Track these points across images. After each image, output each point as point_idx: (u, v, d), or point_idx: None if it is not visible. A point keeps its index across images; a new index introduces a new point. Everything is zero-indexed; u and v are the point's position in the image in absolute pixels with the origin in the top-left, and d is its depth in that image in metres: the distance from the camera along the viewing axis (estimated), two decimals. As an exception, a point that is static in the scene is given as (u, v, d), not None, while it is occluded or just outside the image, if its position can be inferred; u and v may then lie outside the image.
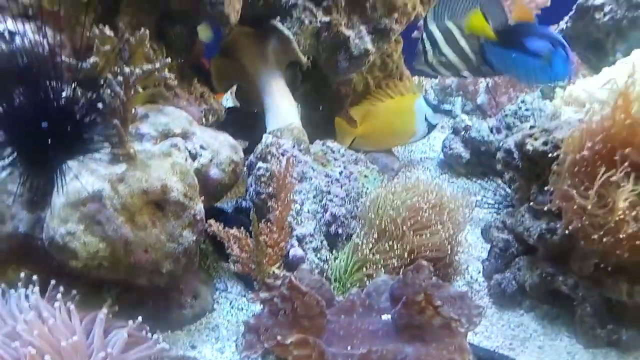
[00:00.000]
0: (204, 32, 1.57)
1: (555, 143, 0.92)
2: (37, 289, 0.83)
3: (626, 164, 0.78)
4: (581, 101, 1.10)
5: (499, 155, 1.07)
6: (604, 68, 1.22)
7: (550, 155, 0.92)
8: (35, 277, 0.87)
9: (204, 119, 1.31)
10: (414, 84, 1.73)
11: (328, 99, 1.67)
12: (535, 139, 0.95)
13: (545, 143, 0.94)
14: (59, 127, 0.98)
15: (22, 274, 0.89)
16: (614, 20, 1.56)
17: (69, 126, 0.99)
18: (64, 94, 1.01)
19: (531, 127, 1.00)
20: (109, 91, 0.96)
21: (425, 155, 1.83)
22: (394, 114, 1.63)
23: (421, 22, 1.61)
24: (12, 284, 0.89)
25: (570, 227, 0.86)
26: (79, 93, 1.04)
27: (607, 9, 1.56)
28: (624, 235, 0.78)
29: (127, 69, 1.03)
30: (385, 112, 1.62)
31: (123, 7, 1.23)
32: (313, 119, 1.70)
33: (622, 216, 0.77)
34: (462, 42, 1.46)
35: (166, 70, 1.17)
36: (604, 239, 0.80)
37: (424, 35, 1.40)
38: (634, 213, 0.77)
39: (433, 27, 1.39)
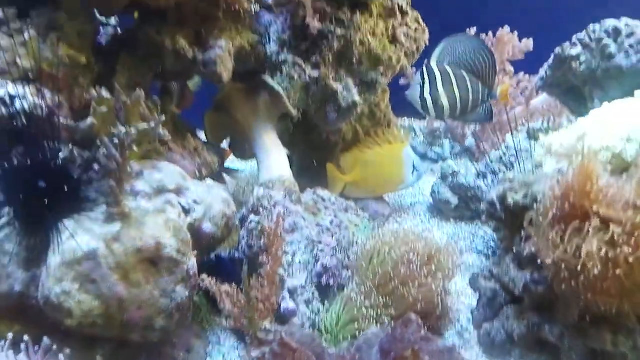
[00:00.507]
0: (193, 83, 1.63)
1: (535, 196, 0.96)
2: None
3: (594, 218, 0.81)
4: (559, 153, 1.14)
5: (483, 206, 1.11)
6: (579, 119, 1.27)
7: (529, 209, 0.96)
8: (26, 337, 0.88)
9: (197, 173, 1.35)
10: (401, 132, 1.78)
11: (318, 148, 1.72)
12: (516, 192, 0.99)
13: (525, 196, 0.98)
14: (56, 187, 1.01)
15: (10, 335, 0.90)
16: (589, 69, 1.62)
17: (65, 186, 1.02)
18: (61, 155, 1.05)
19: (511, 181, 1.04)
20: (104, 152, 1.00)
21: (416, 200, 1.86)
22: (382, 162, 1.67)
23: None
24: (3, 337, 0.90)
25: (550, 277, 0.88)
26: (76, 153, 1.08)
27: (582, 58, 1.63)
28: (593, 279, 0.81)
29: (122, 131, 1.07)
30: (374, 161, 1.67)
31: (120, 67, 1.28)
32: (304, 166, 1.75)
33: (589, 260, 0.80)
34: (456, 90, 1.50)
35: (161, 127, 1.22)
36: (579, 285, 0.83)
37: (425, 70, 1.44)
38: (601, 254, 0.80)
39: (434, 65, 1.43)
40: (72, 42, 1.18)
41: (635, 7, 1.73)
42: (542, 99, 2.29)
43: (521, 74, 2.24)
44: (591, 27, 1.63)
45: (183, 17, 1.32)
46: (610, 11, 1.72)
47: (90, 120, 1.09)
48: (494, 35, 2.24)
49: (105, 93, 1.13)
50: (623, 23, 1.56)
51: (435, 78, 1.48)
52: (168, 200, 1.09)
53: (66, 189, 1.01)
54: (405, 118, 3.09)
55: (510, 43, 2.25)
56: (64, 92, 1.16)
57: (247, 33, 1.46)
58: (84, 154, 1.08)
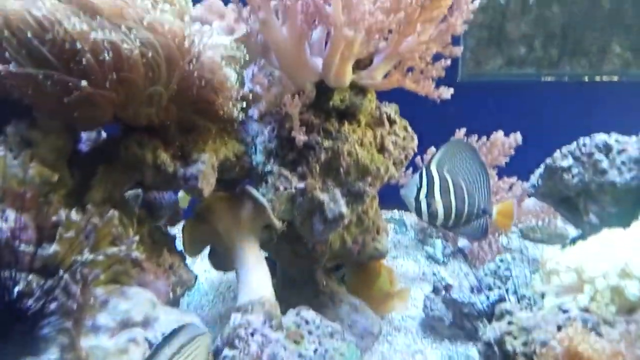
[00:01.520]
0: (183, 200, 1.58)
1: (534, 345, 0.87)
2: None
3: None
4: (559, 286, 1.07)
5: (479, 347, 1.01)
6: (579, 243, 1.21)
7: (529, 357, 0.87)
8: None
9: (171, 293, 1.26)
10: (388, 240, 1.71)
11: (304, 257, 1.63)
12: (515, 338, 0.91)
13: (524, 344, 0.89)
14: (7, 324, 0.91)
15: None
16: (582, 182, 1.60)
17: (17, 322, 0.92)
18: (17, 288, 0.96)
19: (509, 322, 0.95)
20: (65, 287, 0.91)
21: (408, 313, 1.76)
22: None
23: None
24: None
25: None
26: (34, 284, 0.99)
27: (574, 171, 1.61)
28: None
29: (89, 258, 0.99)
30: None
31: (96, 182, 1.22)
32: (289, 277, 1.66)
33: None
34: (453, 199, 1.45)
35: (135, 246, 1.14)
36: None
37: (424, 172, 1.38)
38: None
39: (434, 169, 1.39)
40: (45, 159, 1.13)
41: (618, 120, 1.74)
42: (534, 201, 2.26)
43: (513, 178, 2.21)
44: (581, 140, 1.63)
45: (167, 131, 1.29)
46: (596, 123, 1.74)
47: (53, 247, 1.01)
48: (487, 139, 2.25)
49: (74, 215, 1.06)
50: (613, 139, 1.55)
51: (434, 183, 1.43)
52: (132, 338, 0.99)
53: (18, 327, 0.92)
54: (396, 210, 3.05)
55: (503, 145, 2.25)
56: (31, 212, 1.09)
57: (232, 143, 1.42)
58: (43, 284, 1.00)
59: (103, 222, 1.08)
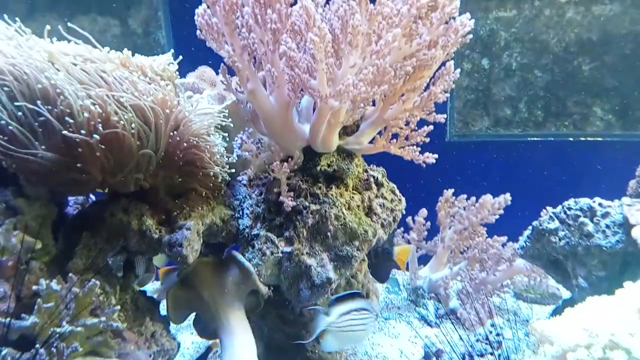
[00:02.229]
0: (159, 259, 1.56)
1: None
2: None
3: None
4: (548, 356, 1.05)
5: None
6: (566, 309, 1.20)
7: None
8: None
9: (152, 364, 1.22)
10: (378, 303, 1.69)
11: (291, 323, 1.60)
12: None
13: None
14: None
15: None
16: (569, 245, 1.60)
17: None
18: (-9, 362, 0.94)
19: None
20: (39, 364, 0.89)
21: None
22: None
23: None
24: None
25: None
26: (9, 358, 0.96)
27: (560, 234, 1.62)
28: None
29: (67, 330, 0.97)
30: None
31: (79, 249, 1.21)
32: (275, 342, 1.62)
33: None
34: None
35: (115, 315, 1.12)
36: None
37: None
38: None
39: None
40: (30, 226, 1.13)
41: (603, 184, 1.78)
42: (524, 261, 2.25)
43: (504, 238, 2.22)
44: (566, 203, 1.65)
45: (154, 196, 1.29)
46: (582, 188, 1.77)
47: (31, 319, 0.99)
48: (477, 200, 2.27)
49: (55, 285, 1.05)
50: (597, 203, 1.57)
51: None
52: (107, 417, 0.95)
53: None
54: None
55: (492, 205, 2.27)
56: (10, 280, 1.08)
57: (220, 208, 1.43)
58: (20, 357, 0.97)
59: (84, 292, 1.07)
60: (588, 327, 1.02)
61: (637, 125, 2.60)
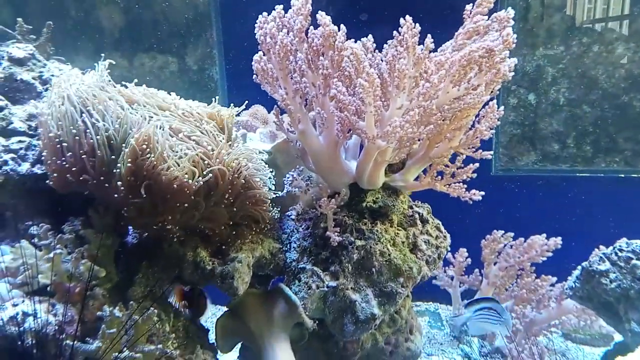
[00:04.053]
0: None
1: None
2: None
3: None
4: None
5: None
6: (618, 357, 1.17)
7: None
8: None
9: (202, 392, 1.27)
10: (421, 340, 1.68)
11: (335, 356, 1.62)
12: None
13: None
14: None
15: None
16: (621, 288, 1.55)
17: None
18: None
19: None
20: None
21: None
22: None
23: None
24: None
25: None
26: (75, 380, 1.03)
27: (612, 276, 1.58)
28: None
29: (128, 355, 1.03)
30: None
31: (138, 277, 1.29)
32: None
33: None
34: None
35: (170, 342, 1.18)
36: None
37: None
38: None
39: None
40: (95, 255, 1.22)
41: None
42: (572, 301, 2.18)
43: (553, 279, 2.18)
44: (617, 244, 1.61)
45: (208, 235, 1.36)
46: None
47: (96, 344, 1.06)
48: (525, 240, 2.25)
49: (117, 312, 1.12)
50: (650, 244, 1.53)
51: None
52: None
53: None
54: (432, 303, 2.99)
55: (541, 247, 2.23)
56: (77, 306, 1.16)
57: (269, 241, 1.48)
58: (84, 380, 1.04)
59: (143, 319, 1.13)
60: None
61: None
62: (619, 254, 1.58)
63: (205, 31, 2.93)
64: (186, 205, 1.20)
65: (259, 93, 1.46)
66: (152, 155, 1.14)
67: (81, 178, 1.16)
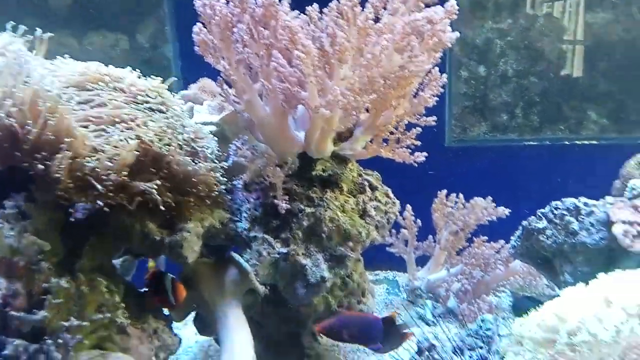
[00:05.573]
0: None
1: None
2: None
3: None
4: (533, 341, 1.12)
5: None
6: (545, 305, 1.25)
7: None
8: None
9: (154, 358, 1.30)
10: (374, 302, 1.75)
11: (289, 320, 1.67)
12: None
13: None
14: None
15: None
16: (557, 243, 1.66)
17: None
18: (5, 351, 1.02)
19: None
20: (47, 355, 0.97)
21: (392, 375, 1.76)
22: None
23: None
24: None
25: None
26: (22, 348, 1.04)
27: (548, 232, 1.68)
28: None
29: (74, 324, 1.05)
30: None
31: (86, 250, 1.30)
32: (274, 340, 1.68)
33: None
34: None
35: (119, 312, 1.20)
36: None
37: None
38: None
39: None
40: (39, 229, 1.21)
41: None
42: (520, 262, 2.30)
43: (501, 241, 2.29)
44: (553, 203, 1.71)
45: (156, 207, 1.37)
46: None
47: (42, 313, 1.07)
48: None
49: (64, 282, 1.13)
50: (582, 202, 1.63)
51: None
52: (112, 402, 1.03)
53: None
54: (389, 271, 3.09)
55: (486, 208, 2.33)
56: (23, 280, 1.16)
57: (218, 212, 1.50)
58: (30, 348, 1.05)
59: (91, 290, 1.15)
60: (559, 312, 1.08)
61: (630, 128, 2.65)
62: (555, 211, 1.68)
63: (157, 7, 2.88)
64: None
65: (215, 70, 1.46)
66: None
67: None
